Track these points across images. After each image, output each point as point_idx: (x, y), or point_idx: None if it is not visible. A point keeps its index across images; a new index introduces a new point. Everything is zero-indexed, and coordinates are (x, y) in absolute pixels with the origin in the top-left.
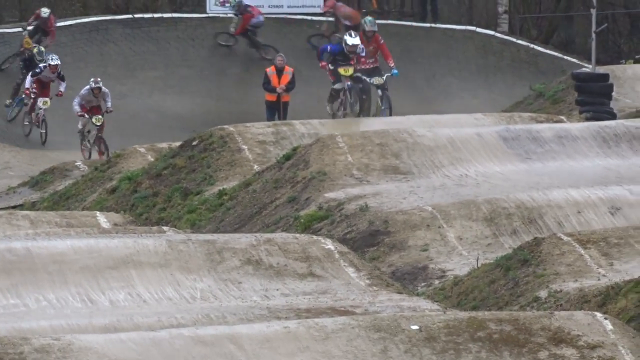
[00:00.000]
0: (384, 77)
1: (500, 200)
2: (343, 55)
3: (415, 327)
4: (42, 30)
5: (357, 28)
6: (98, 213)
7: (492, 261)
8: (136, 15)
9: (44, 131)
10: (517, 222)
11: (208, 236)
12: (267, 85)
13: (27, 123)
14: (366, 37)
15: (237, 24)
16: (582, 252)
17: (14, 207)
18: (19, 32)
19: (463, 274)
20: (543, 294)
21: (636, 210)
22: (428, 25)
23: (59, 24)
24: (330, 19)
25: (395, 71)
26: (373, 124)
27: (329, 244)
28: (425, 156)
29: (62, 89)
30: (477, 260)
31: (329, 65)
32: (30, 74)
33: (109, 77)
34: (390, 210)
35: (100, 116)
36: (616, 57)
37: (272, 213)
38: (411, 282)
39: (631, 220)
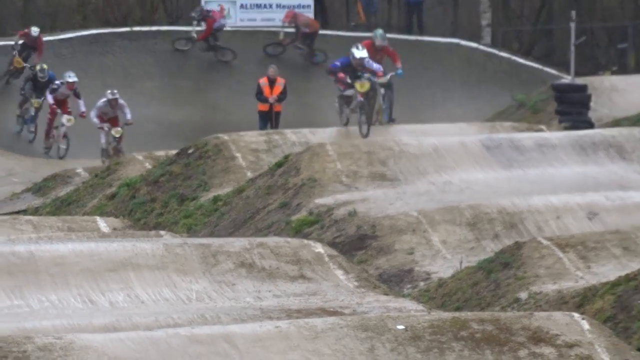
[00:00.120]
0: (388, 77)
1: (483, 206)
2: (350, 67)
3: (401, 326)
4: (31, 47)
5: (314, 36)
6: (98, 218)
7: (474, 264)
8: (134, 28)
9: (65, 147)
10: (499, 227)
11: (203, 240)
12: (260, 96)
13: (32, 130)
14: (375, 49)
15: (200, 30)
16: (561, 255)
17: (17, 212)
18: (9, 44)
19: (447, 277)
20: (523, 295)
21: (612, 216)
22: (414, 37)
23: (60, 37)
24: (291, 29)
25: (400, 71)
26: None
27: (319, 248)
28: (411, 164)
29: (82, 108)
30: (461, 263)
31: (347, 78)
32: (48, 91)
33: (108, 87)
34: (378, 215)
35: (119, 128)
36: (594, 69)
37: (265, 218)
38: (397, 284)
39: (608, 225)
